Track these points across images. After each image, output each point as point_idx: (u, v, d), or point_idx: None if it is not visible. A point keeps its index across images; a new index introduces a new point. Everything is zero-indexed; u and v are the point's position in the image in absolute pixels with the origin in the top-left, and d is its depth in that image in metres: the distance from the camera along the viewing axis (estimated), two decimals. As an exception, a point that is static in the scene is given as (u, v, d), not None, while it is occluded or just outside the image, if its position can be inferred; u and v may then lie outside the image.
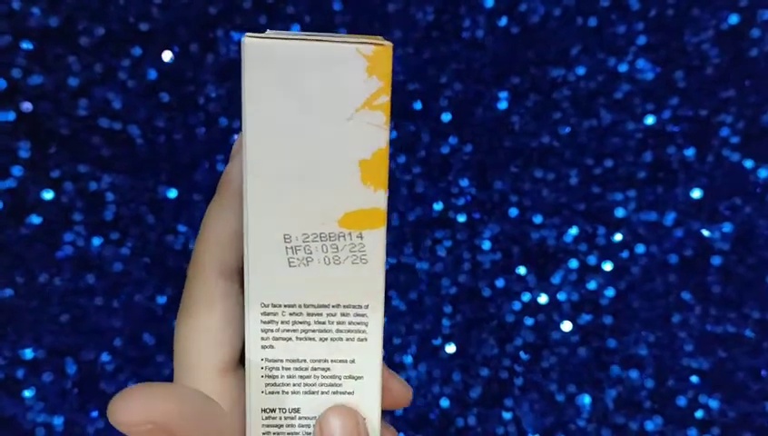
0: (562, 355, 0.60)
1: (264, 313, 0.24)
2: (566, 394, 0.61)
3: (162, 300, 0.59)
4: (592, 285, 0.60)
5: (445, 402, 0.61)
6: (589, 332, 0.60)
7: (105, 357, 0.59)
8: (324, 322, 0.25)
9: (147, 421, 0.22)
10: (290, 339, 0.25)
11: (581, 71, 0.59)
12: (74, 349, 0.59)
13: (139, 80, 0.58)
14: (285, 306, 0.24)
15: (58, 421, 0.58)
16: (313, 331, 0.25)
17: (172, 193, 0.59)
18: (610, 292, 0.60)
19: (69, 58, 0.57)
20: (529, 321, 0.60)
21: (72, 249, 0.58)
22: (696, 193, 0.59)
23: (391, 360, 0.61)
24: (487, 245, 0.60)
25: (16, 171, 0.57)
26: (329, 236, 0.24)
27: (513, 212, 0.60)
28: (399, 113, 0.59)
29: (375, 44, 0.22)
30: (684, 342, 0.60)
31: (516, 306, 0.61)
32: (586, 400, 0.61)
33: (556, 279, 0.60)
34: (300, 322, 0.24)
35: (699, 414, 0.60)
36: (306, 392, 0.25)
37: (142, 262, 0.59)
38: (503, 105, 0.59)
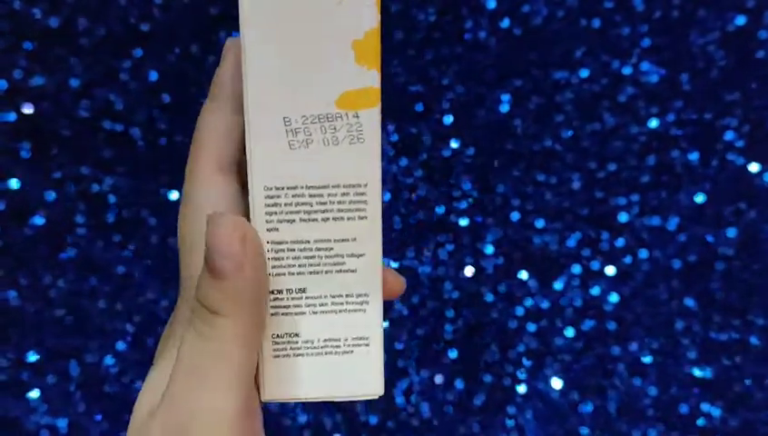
0: (565, 362, 0.60)
1: (268, 196, 0.25)
2: (569, 401, 0.60)
3: (164, 302, 0.59)
4: (595, 291, 0.60)
5: (448, 409, 0.61)
6: (592, 339, 0.60)
7: (109, 360, 0.59)
8: (326, 202, 0.25)
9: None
10: (293, 220, 0.25)
11: (584, 73, 0.58)
12: (78, 351, 0.59)
13: (140, 81, 0.58)
14: (288, 188, 0.25)
15: (62, 423, 0.59)
16: (315, 211, 0.25)
17: (174, 196, 0.59)
18: (614, 298, 0.60)
19: (70, 59, 0.57)
20: (532, 326, 0.60)
21: (75, 251, 0.58)
22: (700, 198, 0.58)
23: (394, 365, 0.60)
24: (489, 250, 0.60)
25: (18, 172, 0.57)
26: (327, 117, 0.24)
27: (515, 216, 0.60)
28: (401, 115, 0.59)
29: None
30: (687, 350, 0.60)
31: (519, 311, 0.60)
32: (589, 407, 0.60)
33: (558, 284, 0.60)
34: (303, 203, 0.25)
35: (701, 422, 0.60)
36: (311, 272, 0.25)
37: (145, 265, 0.59)
38: (505, 108, 0.59)
